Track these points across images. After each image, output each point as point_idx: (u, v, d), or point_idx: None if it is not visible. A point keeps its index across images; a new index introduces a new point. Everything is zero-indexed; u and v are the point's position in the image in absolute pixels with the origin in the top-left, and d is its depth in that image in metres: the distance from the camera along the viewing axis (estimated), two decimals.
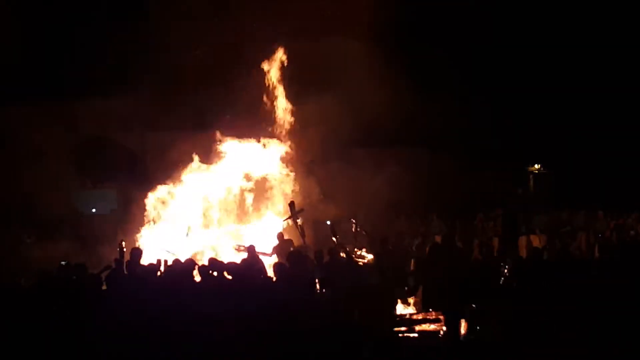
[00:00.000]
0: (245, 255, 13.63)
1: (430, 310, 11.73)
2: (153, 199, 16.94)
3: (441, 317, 11.34)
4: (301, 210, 15.70)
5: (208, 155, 17.32)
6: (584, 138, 28.59)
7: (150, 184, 17.16)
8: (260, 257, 13.63)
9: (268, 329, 9.55)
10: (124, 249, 13.65)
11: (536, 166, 30.82)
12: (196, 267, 11.16)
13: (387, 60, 17.79)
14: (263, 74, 17.28)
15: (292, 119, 17.42)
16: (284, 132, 17.47)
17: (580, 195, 25.59)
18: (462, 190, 22.97)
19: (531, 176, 30.61)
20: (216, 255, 14.41)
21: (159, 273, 11.45)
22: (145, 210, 16.89)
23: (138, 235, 16.32)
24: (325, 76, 17.61)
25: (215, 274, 10.91)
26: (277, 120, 17.59)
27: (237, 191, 17.23)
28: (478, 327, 10.39)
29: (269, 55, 17.39)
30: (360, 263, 13.92)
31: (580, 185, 27.55)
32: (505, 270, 11.47)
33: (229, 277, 10.75)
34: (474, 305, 10.57)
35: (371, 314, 10.35)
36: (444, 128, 21.99)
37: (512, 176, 27.88)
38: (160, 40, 17.78)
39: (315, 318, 9.73)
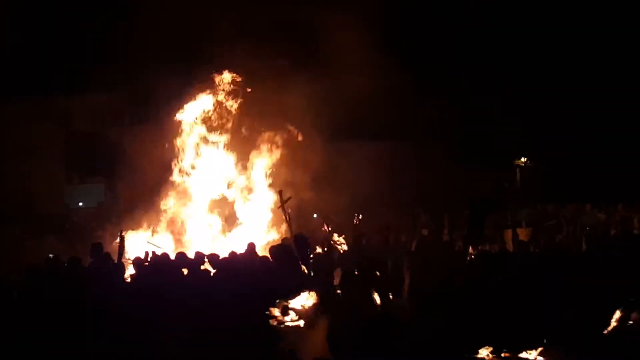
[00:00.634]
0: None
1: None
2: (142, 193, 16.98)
3: None
4: (289, 198, 15.74)
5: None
6: (570, 131, 28.77)
7: (137, 178, 17.15)
8: None
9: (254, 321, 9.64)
10: (124, 239, 13.65)
11: (522, 159, 30.91)
12: (187, 260, 11.20)
13: (378, 53, 17.83)
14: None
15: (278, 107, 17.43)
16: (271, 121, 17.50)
17: (567, 188, 25.75)
18: (448, 184, 23.03)
19: (517, 170, 30.70)
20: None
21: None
22: (133, 203, 16.91)
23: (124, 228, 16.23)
24: (314, 63, 17.64)
25: (207, 268, 10.97)
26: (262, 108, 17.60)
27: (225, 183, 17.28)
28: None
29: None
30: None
31: (567, 179, 27.73)
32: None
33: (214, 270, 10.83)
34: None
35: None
36: (431, 122, 22.07)
37: (499, 170, 27.97)
38: (146, 35, 17.74)
39: None
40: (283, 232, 15.73)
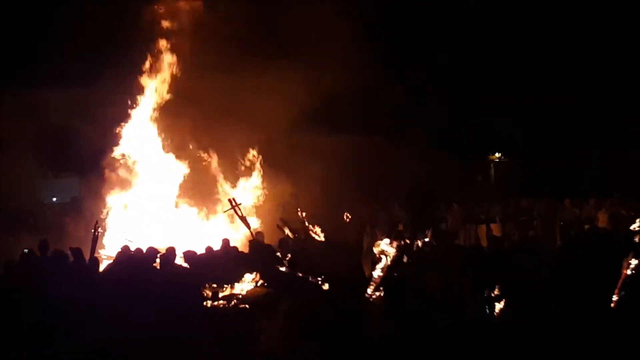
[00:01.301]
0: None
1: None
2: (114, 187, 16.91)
3: None
4: (239, 204, 15.93)
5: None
6: (544, 127, 28.95)
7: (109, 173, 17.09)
8: None
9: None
10: (98, 232, 13.58)
11: (497, 155, 31.08)
12: (159, 255, 11.22)
13: (349, 46, 17.85)
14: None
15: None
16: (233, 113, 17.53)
17: (541, 183, 25.90)
18: (423, 178, 23.09)
19: (492, 165, 30.89)
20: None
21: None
22: (105, 198, 16.85)
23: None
24: (283, 57, 17.66)
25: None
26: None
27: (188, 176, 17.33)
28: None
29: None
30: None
31: (542, 174, 27.91)
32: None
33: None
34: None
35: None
36: (405, 116, 22.11)
37: (473, 164, 28.09)
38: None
39: None
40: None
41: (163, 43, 17.55)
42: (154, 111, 17.48)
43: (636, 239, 9.83)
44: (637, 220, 10.66)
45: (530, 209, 22.22)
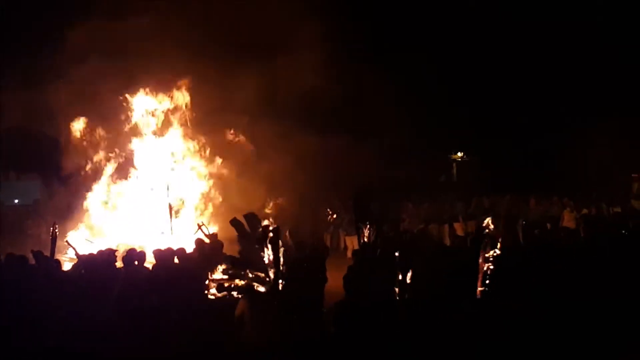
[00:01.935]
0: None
1: None
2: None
3: None
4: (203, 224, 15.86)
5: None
6: (507, 126, 29.22)
7: (72, 174, 17.03)
8: None
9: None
10: (56, 233, 13.47)
11: (459, 154, 31.27)
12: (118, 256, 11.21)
13: (318, 48, 17.94)
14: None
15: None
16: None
17: (504, 182, 26.16)
18: (386, 178, 23.18)
19: (454, 164, 31.07)
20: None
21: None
22: (67, 200, 16.78)
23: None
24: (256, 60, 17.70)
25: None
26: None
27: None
28: None
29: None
30: None
31: (504, 173, 28.18)
32: None
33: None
34: None
35: None
36: (368, 116, 22.15)
37: (436, 164, 28.23)
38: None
39: None
40: None
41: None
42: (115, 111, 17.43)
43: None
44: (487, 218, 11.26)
45: (493, 207, 22.46)
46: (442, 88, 27.27)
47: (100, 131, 17.48)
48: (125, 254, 11.20)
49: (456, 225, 21.57)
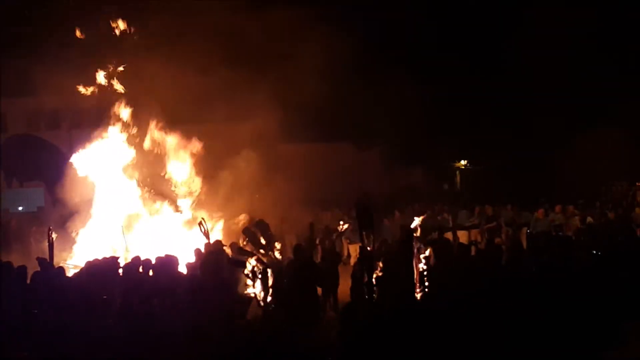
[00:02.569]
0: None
1: None
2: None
3: None
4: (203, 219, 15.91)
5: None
6: (510, 136, 29.21)
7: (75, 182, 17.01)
8: None
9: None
10: (53, 239, 13.46)
11: (462, 162, 31.20)
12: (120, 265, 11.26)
13: (319, 56, 17.96)
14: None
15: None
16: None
17: (508, 191, 26.13)
18: (389, 185, 23.16)
19: (457, 172, 31.00)
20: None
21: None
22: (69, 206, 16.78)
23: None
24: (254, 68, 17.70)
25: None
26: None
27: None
28: None
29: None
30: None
31: (508, 182, 28.15)
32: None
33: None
34: None
35: None
36: (372, 125, 22.19)
37: (439, 172, 28.17)
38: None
39: None
40: None
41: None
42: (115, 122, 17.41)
43: None
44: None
45: (496, 216, 22.39)
46: (447, 95, 27.32)
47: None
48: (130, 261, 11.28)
49: (460, 233, 21.56)
